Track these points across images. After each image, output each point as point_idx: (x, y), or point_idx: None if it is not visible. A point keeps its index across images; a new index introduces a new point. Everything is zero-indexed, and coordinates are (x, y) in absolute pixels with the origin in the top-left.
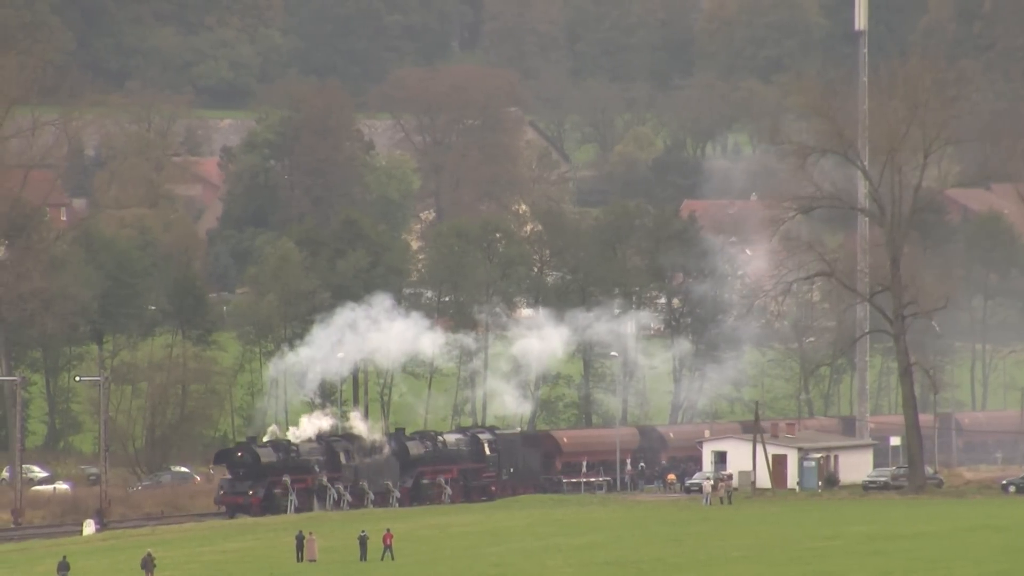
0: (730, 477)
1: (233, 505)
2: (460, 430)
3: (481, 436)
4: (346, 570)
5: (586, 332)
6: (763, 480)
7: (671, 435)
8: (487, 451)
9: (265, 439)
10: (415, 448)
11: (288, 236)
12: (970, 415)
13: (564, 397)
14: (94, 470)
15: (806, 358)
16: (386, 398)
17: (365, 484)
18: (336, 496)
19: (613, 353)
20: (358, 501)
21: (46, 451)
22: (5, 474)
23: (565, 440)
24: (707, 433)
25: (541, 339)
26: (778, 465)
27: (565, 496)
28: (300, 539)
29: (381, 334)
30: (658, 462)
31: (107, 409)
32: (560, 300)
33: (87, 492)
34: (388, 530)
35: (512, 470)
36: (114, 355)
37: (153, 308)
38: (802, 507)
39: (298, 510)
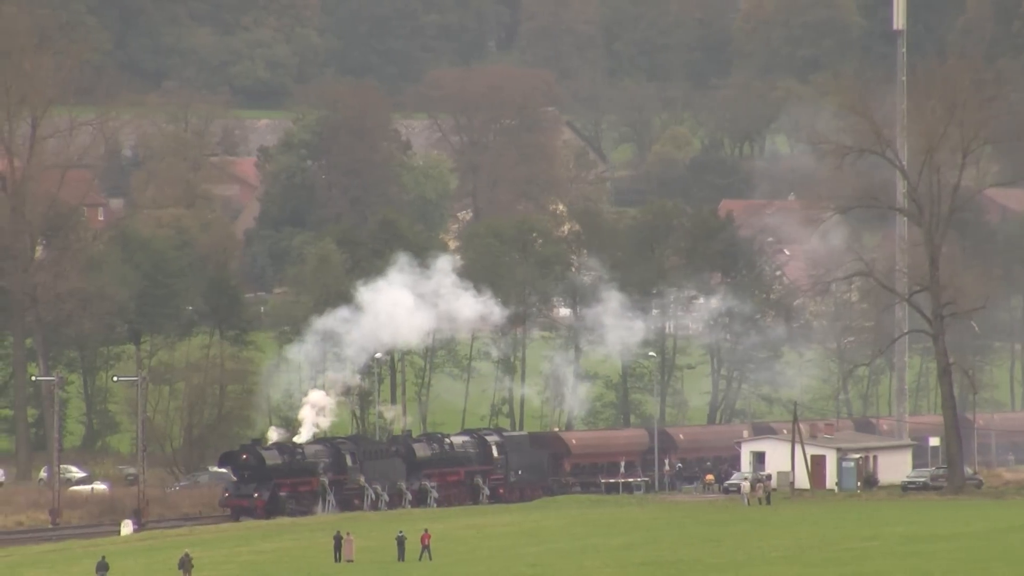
0: (768, 478)
1: (238, 508)
2: (467, 432)
3: (488, 438)
4: (384, 570)
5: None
6: (802, 481)
7: (680, 437)
8: (494, 453)
9: (270, 441)
10: (421, 450)
11: (326, 236)
12: (983, 416)
13: (602, 397)
14: (132, 470)
15: (845, 358)
16: (424, 398)
17: (379, 487)
18: (374, 496)
19: (651, 353)
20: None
21: (84, 451)
22: (43, 474)
23: (574, 442)
24: (745, 434)
25: (622, 330)
26: (817, 466)
27: (603, 496)
28: (338, 539)
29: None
30: (663, 464)
31: (144, 409)
32: (597, 300)
33: (125, 492)
34: (426, 530)
35: (520, 472)
36: (151, 355)
37: (190, 308)
38: (841, 508)
39: (299, 513)
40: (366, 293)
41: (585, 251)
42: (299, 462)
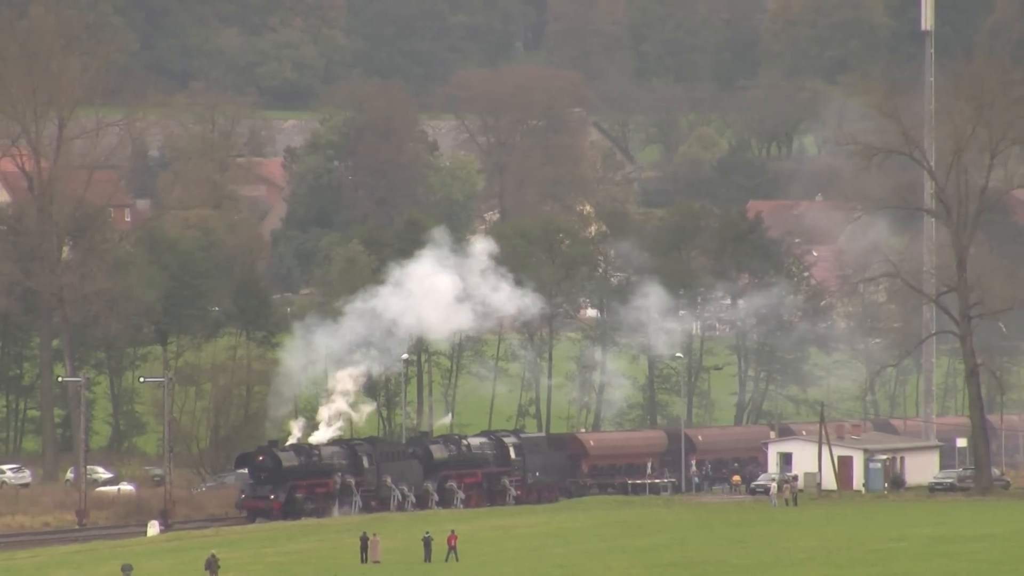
0: (795, 479)
1: (254, 509)
2: (485, 433)
3: (506, 439)
4: (410, 571)
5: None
6: (829, 481)
7: (699, 438)
8: (512, 454)
9: (293, 433)
10: (439, 452)
11: (353, 237)
12: (1008, 417)
13: (629, 398)
14: (158, 471)
15: (872, 359)
16: (450, 397)
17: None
18: (400, 497)
19: (678, 354)
20: (383, 505)
21: (110, 452)
22: (70, 475)
23: (591, 443)
24: (772, 435)
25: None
26: (844, 467)
27: (630, 497)
28: (364, 540)
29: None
30: (687, 465)
31: (171, 410)
32: (624, 301)
33: (151, 493)
34: (452, 531)
35: (537, 474)
36: (178, 356)
37: (217, 309)
38: (868, 509)
39: (316, 515)
40: (400, 272)
41: (613, 251)
42: (316, 463)
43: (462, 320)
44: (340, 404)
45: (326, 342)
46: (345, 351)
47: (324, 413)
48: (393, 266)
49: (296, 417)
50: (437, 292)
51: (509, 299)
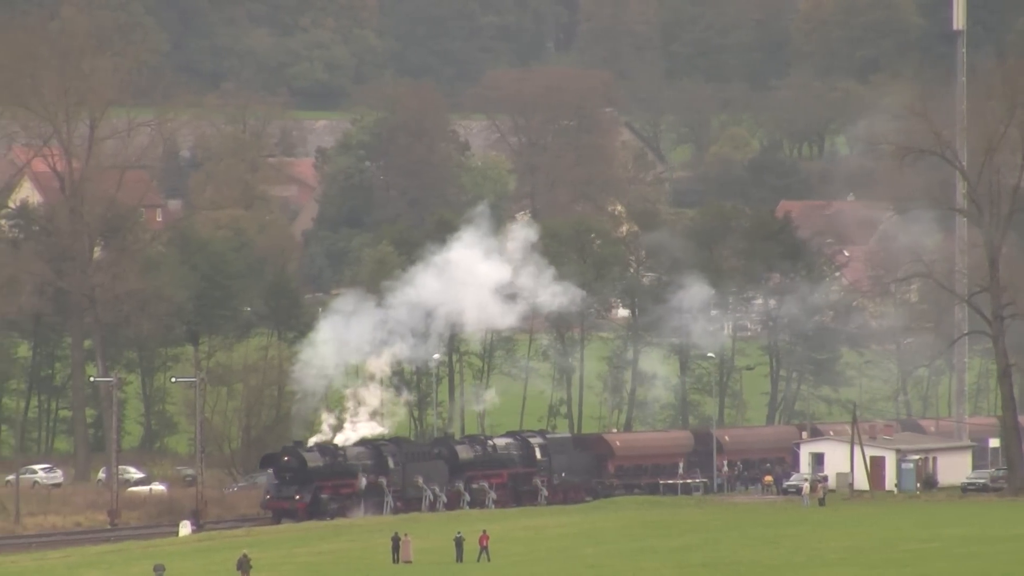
0: (825, 479)
1: (279, 510)
2: (510, 434)
3: (531, 440)
4: (442, 571)
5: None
6: (861, 482)
7: (726, 438)
8: (538, 455)
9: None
10: (464, 452)
11: (384, 237)
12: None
13: (660, 398)
14: (190, 471)
15: (904, 360)
16: (482, 398)
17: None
18: (432, 497)
19: (710, 354)
20: (409, 506)
21: (142, 452)
22: (101, 475)
23: (618, 443)
24: (804, 435)
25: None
26: (876, 467)
27: (661, 498)
28: (396, 540)
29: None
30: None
31: (203, 410)
32: (655, 301)
33: (183, 493)
34: (484, 531)
35: (563, 474)
36: (209, 356)
37: (248, 309)
38: (900, 509)
39: (339, 515)
40: (439, 255)
41: (644, 251)
42: (341, 464)
43: (500, 312)
44: (370, 395)
45: (357, 330)
46: (377, 339)
47: (353, 406)
48: (431, 250)
49: (326, 408)
50: (478, 279)
51: (550, 292)
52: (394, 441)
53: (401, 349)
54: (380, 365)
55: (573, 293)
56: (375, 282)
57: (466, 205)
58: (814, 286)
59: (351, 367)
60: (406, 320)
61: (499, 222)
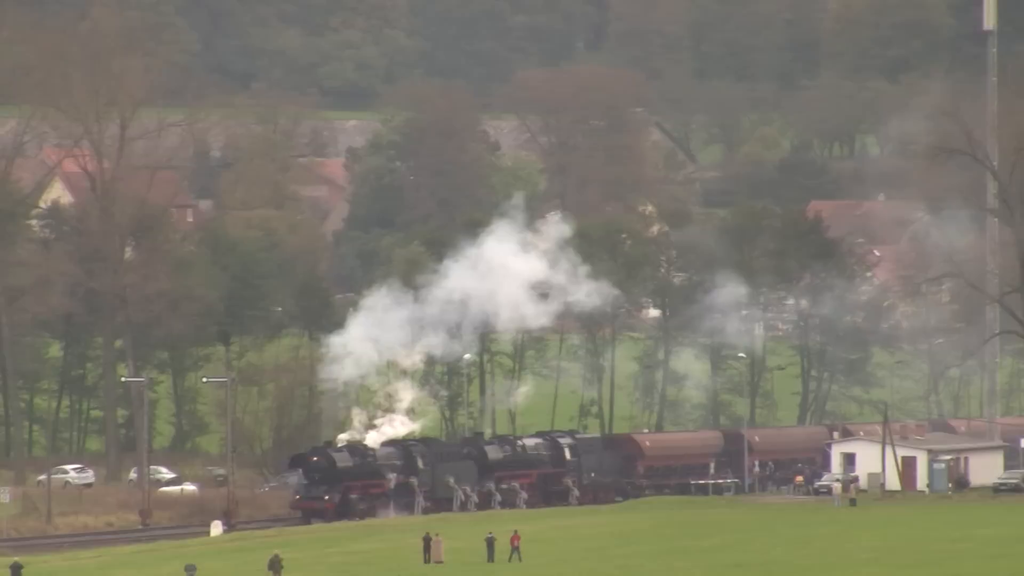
0: (856, 479)
1: (308, 510)
2: (539, 434)
3: (561, 440)
4: (473, 571)
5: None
6: (892, 482)
7: (756, 439)
8: (567, 455)
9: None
10: (493, 453)
11: (415, 237)
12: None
13: (691, 398)
14: (221, 471)
15: (935, 360)
16: (513, 404)
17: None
18: (463, 498)
19: (741, 354)
20: (438, 506)
21: (173, 452)
22: (133, 475)
23: (647, 444)
24: (835, 435)
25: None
26: (907, 467)
27: (692, 498)
28: (427, 540)
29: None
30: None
31: (233, 410)
32: (686, 300)
33: (214, 493)
34: (515, 531)
35: (593, 475)
36: (240, 356)
37: (279, 309)
38: (931, 509)
39: (367, 515)
40: (473, 248)
41: (675, 251)
42: (370, 464)
43: (534, 312)
44: (403, 392)
45: (390, 324)
46: (410, 333)
47: (386, 402)
48: (465, 243)
49: (357, 405)
50: (512, 274)
51: (584, 290)
52: (423, 441)
53: (433, 343)
54: (413, 360)
55: (607, 291)
56: (408, 280)
57: (496, 205)
58: (845, 286)
59: (383, 362)
60: (439, 314)
61: (530, 220)
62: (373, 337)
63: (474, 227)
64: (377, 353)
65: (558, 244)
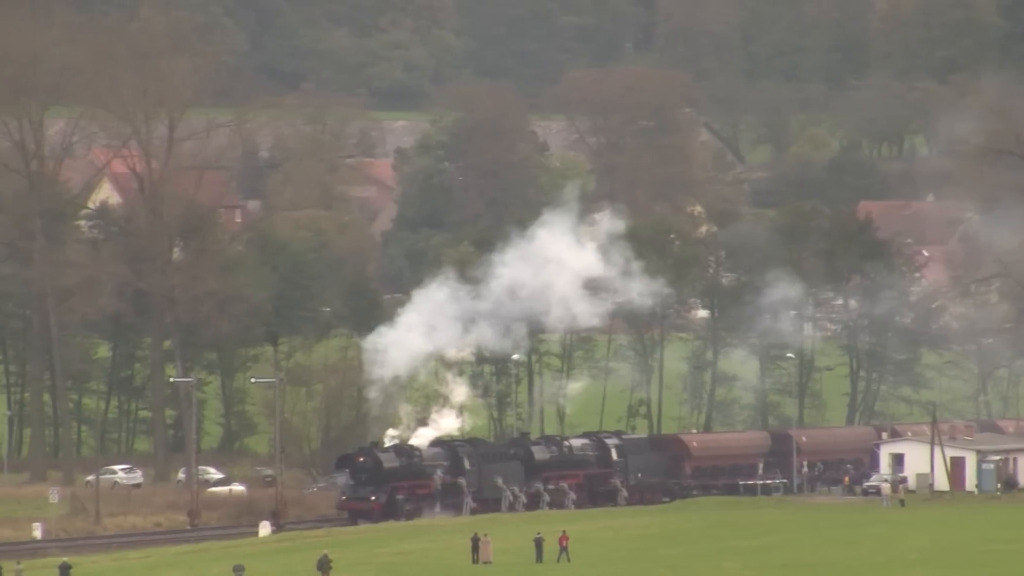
0: (904, 480)
1: (355, 511)
2: (586, 434)
3: (607, 441)
4: (522, 572)
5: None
6: (941, 482)
7: (803, 439)
8: (613, 456)
9: (389, 436)
10: (540, 453)
11: (464, 238)
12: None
13: (739, 399)
14: (269, 472)
15: (984, 360)
16: (562, 400)
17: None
18: (512, 498)
19: (789, 355)
20: (484, 506)
21: (221, 453)
22: (181, 475)
23: (694, 444)
24: (884, 436)
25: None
26: (956, 467)
27: (740, 498)
28: (475, 541)
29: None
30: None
31: (282, 411)
32: (735, 302)
33: (262, 494)
34: (564, 532)
35: (639, 475)
36: (288, 357)
37: (327, 310)
38: (980, 510)
39: (413, 516)
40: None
41: (723, 252)
42: (416, 464)
43: (586, 311)
44: (454, 387)
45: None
46: (461, 324)
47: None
48: (518, 235)
49: (407, 400)
50: (565, 267)
51: (639, 286)
52: (470, 442)
53: (485, 337)
54: (463, 352)
55: (660, 289)
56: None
57: (544, 205)
58: (894, 286)
59: (432, 353)
60: (491, 308)
61: (583, 216)
62: (424, 326)
63: (523, 225)
64: (430, 343)
65: (610, 239)
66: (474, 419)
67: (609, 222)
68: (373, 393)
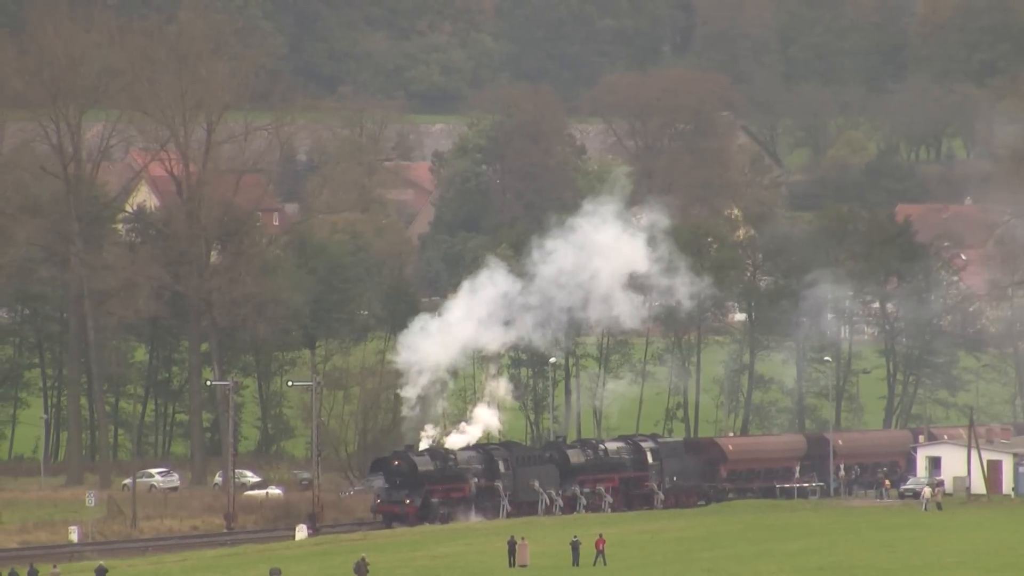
0: (941, 483)
1: (390, 514)
2: (622, 438)
3: (643, 444)
4: (558, 575)
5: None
6: (978, 486)
7: (839, 442)
8: (649, 459)
9: (422, 447)
10: (576, 456)
11: (502, 240)
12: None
13: (777, 402)
14: (306, 475)
15: (1021, 363)
16: (599, 402)
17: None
18: (548, 501)
19: (826, 358)
20: (519, 510)
21: (258, 456)
22: (218, 479)
23: (730, 447)
24: (921, 439)
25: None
26: (993, 470)
27: (778, 501)
28: (512, 544)
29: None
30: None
31: (319, 414)
32: (773, 304)
33: (299, 497)
34: (600, 535)
35: (675, 478)
36: (326, 360)
37: (365, 313)
38: (1017, 513)
39: (447, 519)
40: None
41: (761, 255)
42: (451, 468)
43: (628, 311)
44: (493, 386)
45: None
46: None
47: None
48: (556, 222)
49: (444, 399)
50: (611, 259)
51: (684, 282)
52: (504, 445)
53: (525, 329)
54: (501, 345)
55: (704, 288)
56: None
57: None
58: (932, 290)
59: (473, 346)
60: (536, 297)
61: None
62: (472, 316)
63: (566, 214)
64: (473, 334)
65: (655, 231)
66: (511, 420)
67: (654, 215)
68: (409, 390)
